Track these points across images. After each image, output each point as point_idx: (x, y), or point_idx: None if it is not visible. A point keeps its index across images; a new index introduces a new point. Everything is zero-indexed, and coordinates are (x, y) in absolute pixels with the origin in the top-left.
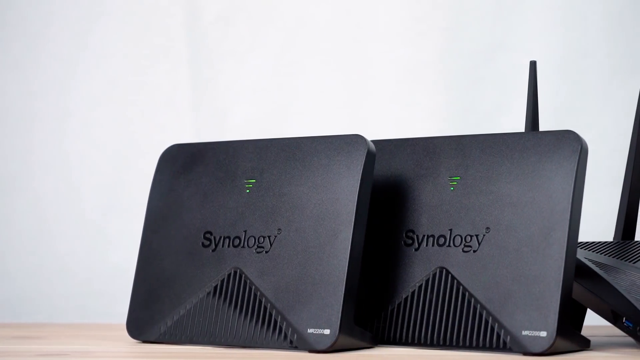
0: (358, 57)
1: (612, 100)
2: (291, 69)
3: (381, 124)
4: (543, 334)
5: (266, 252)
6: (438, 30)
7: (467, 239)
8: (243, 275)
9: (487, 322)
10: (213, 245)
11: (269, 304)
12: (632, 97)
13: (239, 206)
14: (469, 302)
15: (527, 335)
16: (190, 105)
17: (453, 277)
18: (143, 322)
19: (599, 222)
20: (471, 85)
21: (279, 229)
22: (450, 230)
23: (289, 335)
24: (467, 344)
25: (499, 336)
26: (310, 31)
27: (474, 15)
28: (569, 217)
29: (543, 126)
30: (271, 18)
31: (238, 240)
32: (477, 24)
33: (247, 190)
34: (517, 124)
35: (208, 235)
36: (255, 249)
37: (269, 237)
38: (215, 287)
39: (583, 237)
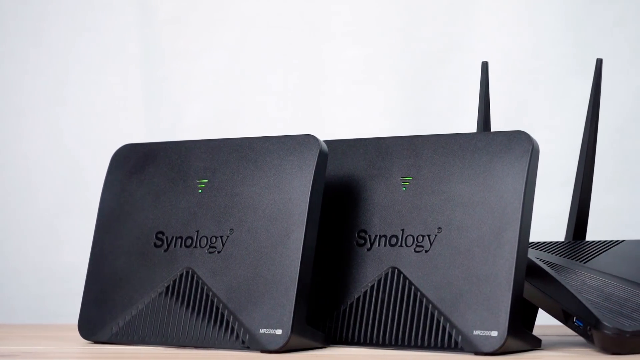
0: (312, 57)
1: (564, 101)
2: (244, 69)
3: (335, 124)
4: (494, 333)
5: (218, 252)
6: (392, 31)
7: (419, 239)
8: (195, 276)
9: (438, 322)
10: (165, 246)
11: (221, 304)
12: (584, 97)
13: (191, 206)
14: (421, 302)
15: (478, 335)
16: (143, 104)
17: (405, 277)
18: (95, 323)
19: (551, 222)
20: (425, 85)
21: (231, 229)
22: (403, 230)
23: (241, 336)
24: (419, 343)
25: (450, 336)
26: (264, 31)
27: (428, 16)
28: (520, 217)
29: (496, 127)
30: (224, 18)
31: (190, 241)
32: (431, 25)
33: (200, 191)
34: (470, 124)
35: (160, 236)
36: (208, 249)
37: (221, 237)
38: (168, 288)
39: (535, 237)
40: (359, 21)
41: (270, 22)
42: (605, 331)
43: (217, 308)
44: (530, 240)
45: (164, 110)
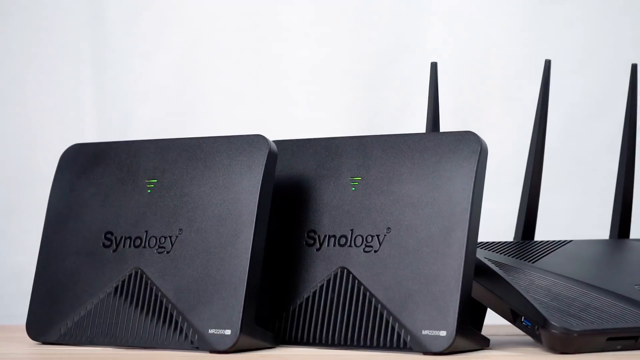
0: (264, 57)
1: (514, 102)
2: (196, 69)
3: (287, 124)
4: (443, 333)
5: (167, 252)
6: (343, 31)
7: (368, 239)
8: (144, 276)
9: (387, 321)
10: (114, 246)
11: (170, 305)
12: (534, 98)
13: (140, 206)
14: (370, 302)
15: (427, 335)
16: (93, 104)
17: (354, 277)
18: (43, 324)
19: (500, 222)
20: (376, 85)
21: (180, 229)
22: (352, 230)
23: (189, 336)
24: (368, 343)
25: (399, 336)
26: (216, 30)
27: (380, 17)
28: (468, 218)
29: (447, 127)
30: (176, 17)
31: (139, 241)
32: (383, 25)
33: (149, 191)
34: (422, 124)
35: (109, 236)
36: (157, 250)
37: (170, 237)
38: (116, 288)
39: (485, 237)
40: (310, 22)
41: (222, 22)
42: (553, 330)
43: (166, 308)
44: (479, 240)
45: (114, 109)
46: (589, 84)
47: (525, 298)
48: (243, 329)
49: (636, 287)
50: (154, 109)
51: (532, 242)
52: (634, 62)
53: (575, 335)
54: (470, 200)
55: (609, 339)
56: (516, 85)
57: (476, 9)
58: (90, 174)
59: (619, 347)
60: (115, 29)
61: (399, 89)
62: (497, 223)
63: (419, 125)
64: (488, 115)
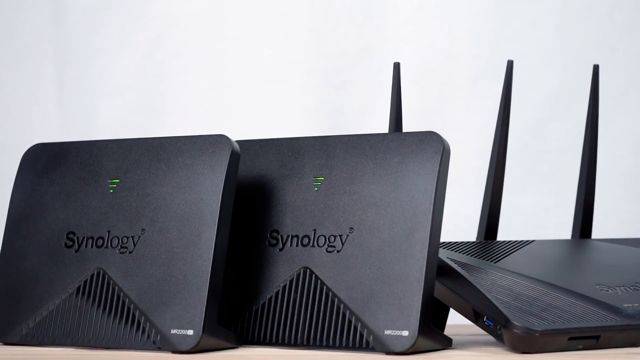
0: (227, 57)
1: (477, 102)
2: (160, 68)
3: (250, 124)
4: (405, 333)
5: (130, 252)
6: (307, 31)
7: (330, 239)
8: (106, 276)
9: (350, 321)
10: (76, 246)
11: (132, 305)
12: (497, 99)
13: (102, 206)
14: (333, 302)
15: (389, 335)
16: (55, 103)
17: (317, 277)
18: (4, 324)
19: (463, 222)
20: (340, 86)
21: (143, 230)
22: (315, 230)
23: (152, 336)
24: (331, 343)
25: (362, 336)
26: (179, 30)
27: (343, 16)
28: (431, 218)
29: (412, 127)
30: (139, 16)
31: (101, 241)
32: (346, 25)
33: (111, 190)
34: (386, 125)
35: (71, 236)
36: (119, 250)
37: (132, 237)
38: (78, 288)
39: (448, 237)
40: (273, 21)
41: (186, 22)
42: (515, 330)
43: (129, 309)
44: (442, 240)
45: (77, 109)
46: (552, 84)
47: (487, 298)
48: (205, 329)
49: (597, 286)
50: (117, 108)
51: (495, 242)
52: (596, 63)
53: (536, 334)
54: (433, 200)
55: (570, 339)
56: (480, 86)
57: (440, 9)
58: (52, 173)
59: (580, 347)
60: (78, 28)
61: (363, 89)
62: (461, 223)
63: (383, 126)
64: (452, 115)
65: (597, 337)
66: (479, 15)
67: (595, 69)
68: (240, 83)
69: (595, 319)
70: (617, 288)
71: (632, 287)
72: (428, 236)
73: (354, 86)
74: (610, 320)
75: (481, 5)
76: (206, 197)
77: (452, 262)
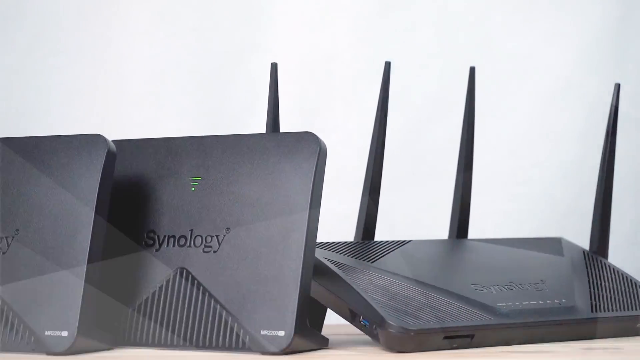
0: (106, 56)
1: (357, 103)
2: (36, 67)
3: (131, 125)
4: (281, 333)
5: (3, 253)
6: (188, 30)
7: (207, 239)
8: None
9: (227, 322)
10: None
11: (6, 306)
12: (376, 99)
13: None
14: (209, 303)
15: (265, 335)
16: None
17: (193, 278)
18: None
19: (343, 223)
20: (221, 86)
21: (17, 230)
22: (191, 230)
23: (26, 338)
24: (208, 344)
25: (238, 336)
26: (58, 29)
27: (224, 16)
28: (307, 218)
29: (292, 128)
30: (16, 15)
31: None
32: (227, 25)
33: None
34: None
35: None
36: None
37: (6, 238)
38: None
39: (327, 237)
40: (155, 20)
41: (64, 19)
42: (390, 330)
43: (2, 310)
44: (320, 240)
45: None
46: (429, 86)
47: (363, 298)
48: (80, 330)
49: (473, 286)
50: None
51: (372, 242)
52: (472, 65)
53: (412, 334)
54: (309, 200)
55: (445, 338)
56: (359, 87)
57: (320, 11)
58: None
59: (455, 346)
60: None
61: (244, 89)
62: (339, 224)
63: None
64: (332, 116)
65: (471, 336)
66: (359, 17)
67: (472, 70)
68: (119, 83)
69: (469, 318)
70: (491, 287)
71: (506, 287)
72: (304, 236)
73: (235, 86)
74: (485, 319)
75: (361, 7)
76: (81, 197)
77: (329, 262)
